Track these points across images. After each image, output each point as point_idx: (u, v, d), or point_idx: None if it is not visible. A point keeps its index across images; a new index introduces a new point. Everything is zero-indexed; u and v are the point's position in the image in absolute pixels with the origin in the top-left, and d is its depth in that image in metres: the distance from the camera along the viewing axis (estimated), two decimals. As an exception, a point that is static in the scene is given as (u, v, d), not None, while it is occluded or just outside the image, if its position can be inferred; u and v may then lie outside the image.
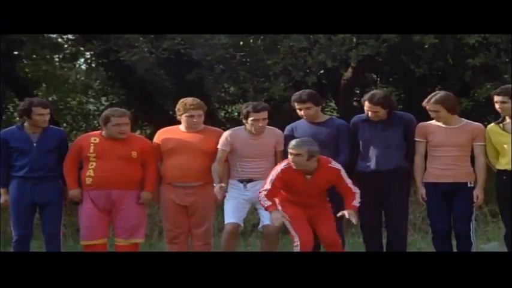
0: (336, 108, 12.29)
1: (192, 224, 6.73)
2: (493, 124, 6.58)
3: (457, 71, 10.11)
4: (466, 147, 6.50)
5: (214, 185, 6.54)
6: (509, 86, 6.62)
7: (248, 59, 9.91)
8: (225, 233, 6.61)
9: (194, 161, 6.64)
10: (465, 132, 6.51)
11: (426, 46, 9.37)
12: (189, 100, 6.73)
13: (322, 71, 10.55)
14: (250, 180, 6.62)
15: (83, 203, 6.70)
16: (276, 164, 6.54)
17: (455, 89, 6.84)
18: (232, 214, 6.63)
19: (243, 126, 6.68)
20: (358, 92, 11.42)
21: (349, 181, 6.34)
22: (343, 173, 6.34)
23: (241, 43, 9.93)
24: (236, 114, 12.19)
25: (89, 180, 6.64)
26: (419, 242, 8.96)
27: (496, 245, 8.28)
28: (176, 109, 6.82)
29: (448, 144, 6.46)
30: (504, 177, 6.42)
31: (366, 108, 6.58)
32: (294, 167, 6.25)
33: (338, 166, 6.34)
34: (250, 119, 6.53)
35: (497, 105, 6.47)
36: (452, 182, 6.46)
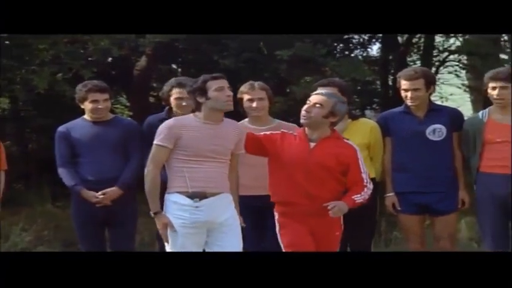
0: (128, 105, 12.32)
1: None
2: None
3: (270, 64, 10.18)
4: None
5: (152, 213, 5.36)
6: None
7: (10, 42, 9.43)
8: None
9: None
10: None
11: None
12: None
13: (109, 60, 10.43)
14: (203, 196, 5.37)
15: None
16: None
17: (271, 84, 6.77)
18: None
19: (190, 114, 5.51)
20: (155, 85, 11.34)
21: (364, 169, 5.57)
22: (360, 156, 5.58)
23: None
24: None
25: None
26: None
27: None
28: None
29: None
30: None
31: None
32: (302, 121, 5.51)
33: (356, 146, 5.61)
34: (211, 90, 5.36)
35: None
36: (264, 195, 5.95)
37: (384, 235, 9.20)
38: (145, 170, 5.46)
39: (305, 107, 5.52)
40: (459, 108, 6.94)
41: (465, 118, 6.48)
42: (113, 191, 6.10)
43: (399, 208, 6.31)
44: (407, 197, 6.25)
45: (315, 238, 5.55)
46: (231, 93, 5.48)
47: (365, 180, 5.55)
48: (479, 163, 6.13)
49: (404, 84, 6.21)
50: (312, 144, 5.54)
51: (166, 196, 5.42)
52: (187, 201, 5.35)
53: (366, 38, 12.12)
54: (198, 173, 5.37)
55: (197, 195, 5.35)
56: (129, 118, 6.94)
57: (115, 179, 6.12)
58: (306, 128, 5.57)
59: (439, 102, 9.51)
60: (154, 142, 5.43)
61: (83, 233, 6.25)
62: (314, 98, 5.52)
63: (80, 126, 6.25)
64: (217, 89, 5.39)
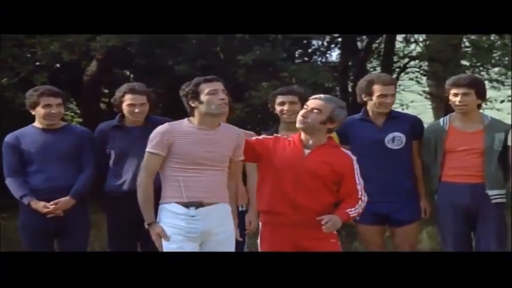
0: (78, 111, 12.20)
1: None
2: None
3: (228, 69, 10.05)
4: None
5: (146, 224, 5.23)
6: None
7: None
8: None
9: None
10: None
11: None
12: None
13: (58, 65, 10.30)
14: (200, 205, 5.22)
15: None
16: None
17: (228, 90, 6.72)
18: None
19: (184, 119, 5.40)
20: (106, 91, 11.28)
21: (359, 181, 5.37)
22: (356, 167, 5.37)
23: None
24: None
25: None
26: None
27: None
28: None
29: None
30: None
31: None
32: (298, 125, 5.31)
33: (352, 156, 5.41)
34: (203, 94, 5.22)
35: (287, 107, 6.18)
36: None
37: (344, 246, 9.16)
38: (138, 179, 5.32)
39: (302, 112, 5.32)
40: (420, 116, 6.93)
41: (426, 126, 6.49)
42: (66, 200, 5.94)
43: (358, 218, 6.29)
44: (365, 207, 6.23)
45: (305, 250, 5.31)
46: (225, 97, 5.26)
47: (360, 193, 5.36)
48: (440, 172, 6.09)
49: (382, 89, 6.14)
50: (307, 151, 5.34)
51: (161, 206, 5.26)
52: (183, 210, 5.20)
53: (325, 43, 12.11)
54: (194, 182, 5.21)
55: (193, 205, 5.19)
56: (81, 126, 6.89)
57: (67, 189, 5.97)
58: (302, 134, 5.36)
59: (399, 110, 9.56)
60: (146, 149, 5.28)
61: (31, 246, 6.05)
62: (312, 103, 5.31)
63: (29, 134, 6.08)
64: (210, 92, 5.21)
